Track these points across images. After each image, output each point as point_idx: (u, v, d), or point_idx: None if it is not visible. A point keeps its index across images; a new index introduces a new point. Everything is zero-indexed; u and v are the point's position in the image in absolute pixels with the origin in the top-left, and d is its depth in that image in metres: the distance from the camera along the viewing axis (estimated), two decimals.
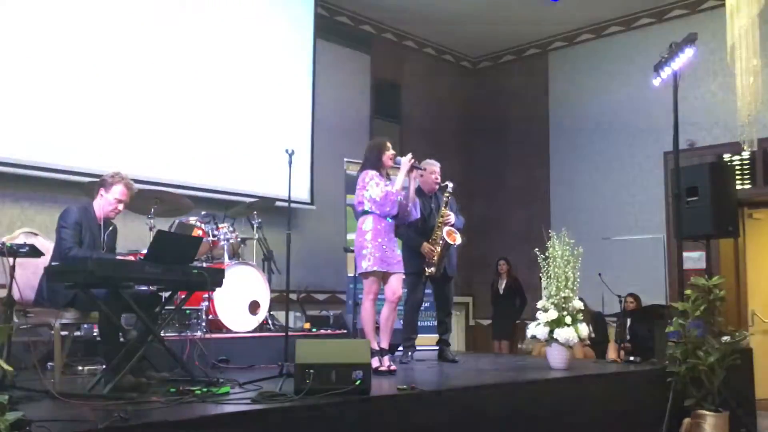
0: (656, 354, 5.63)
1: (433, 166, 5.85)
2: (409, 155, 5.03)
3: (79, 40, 6.38)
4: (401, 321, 5.83)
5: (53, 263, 4.21)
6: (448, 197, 5.70)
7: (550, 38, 9.72)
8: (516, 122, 10.01)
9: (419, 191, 5.73)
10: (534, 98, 9.86)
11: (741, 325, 7.48)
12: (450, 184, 5.70)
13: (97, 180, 4.63)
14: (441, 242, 5.59)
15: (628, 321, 7.31)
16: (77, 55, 6.36)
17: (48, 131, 6.16)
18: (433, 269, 5.59)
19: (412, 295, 5.76)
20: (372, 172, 4.97)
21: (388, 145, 5.06)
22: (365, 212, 4.94)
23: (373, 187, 4.90)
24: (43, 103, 6.14)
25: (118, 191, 4.46)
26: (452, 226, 5.66)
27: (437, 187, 5.82)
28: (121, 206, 4.53)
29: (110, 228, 4.55)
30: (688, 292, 5.34)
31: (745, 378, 5.68)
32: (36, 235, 4.69)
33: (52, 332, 4.15)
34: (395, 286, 4.91)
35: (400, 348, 5.81)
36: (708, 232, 6.07)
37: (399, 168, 5.06)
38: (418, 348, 5.95)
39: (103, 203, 4.47)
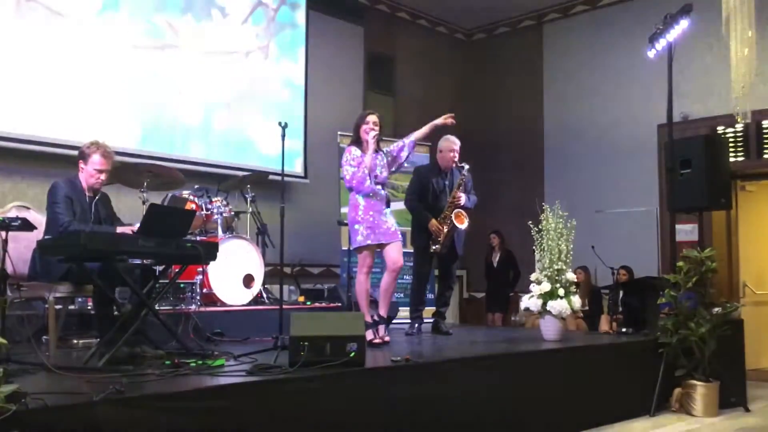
0: (648, 325, 5.67)
1: (452, 144, 5.80)
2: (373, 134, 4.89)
3: (65, 12, 6.29)
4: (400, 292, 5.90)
5: (46, 237, 4.19)
6: (463, 179, 5.69)
7: (545, 10, 9.62)
8: (510, 95, 9.95)
9: (436, 168, 5.85)
10: (528, 71, 9.80)
11: (732, 296, 7.52)
12: (466, 166, 5.70)
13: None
14: (449, 222, 5.60)
15: (621, 293, 7.36)
16: (64, 27, 6.28)
17: (39, 104, 6.11)
18: (438, 247, 5.61)
19: (420, 268, 5.84)
20: (352, 150, 4.91)
21: (367, 118, 4.95)
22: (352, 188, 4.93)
23: (345, 169, 4.88)
24: (33, 77, 6.08)
25: (96, 161, 4.32)
26: (463, 207, 5.66)
27: (454, 165, 5.79)
28: (103, 176, 4.37)
29: (98, 197, 4.43)
30: (680, 264, 5.36)
31: (736, 349, 5.72)
32: (28, 209, 4.68)
33: (47, 306, 4.14)
34: (395, 255, 4.90)
35: (408, 319, 5.87)
36: (701, 205, 6.08)
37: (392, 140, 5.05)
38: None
39: (85, 175, 4.36)
